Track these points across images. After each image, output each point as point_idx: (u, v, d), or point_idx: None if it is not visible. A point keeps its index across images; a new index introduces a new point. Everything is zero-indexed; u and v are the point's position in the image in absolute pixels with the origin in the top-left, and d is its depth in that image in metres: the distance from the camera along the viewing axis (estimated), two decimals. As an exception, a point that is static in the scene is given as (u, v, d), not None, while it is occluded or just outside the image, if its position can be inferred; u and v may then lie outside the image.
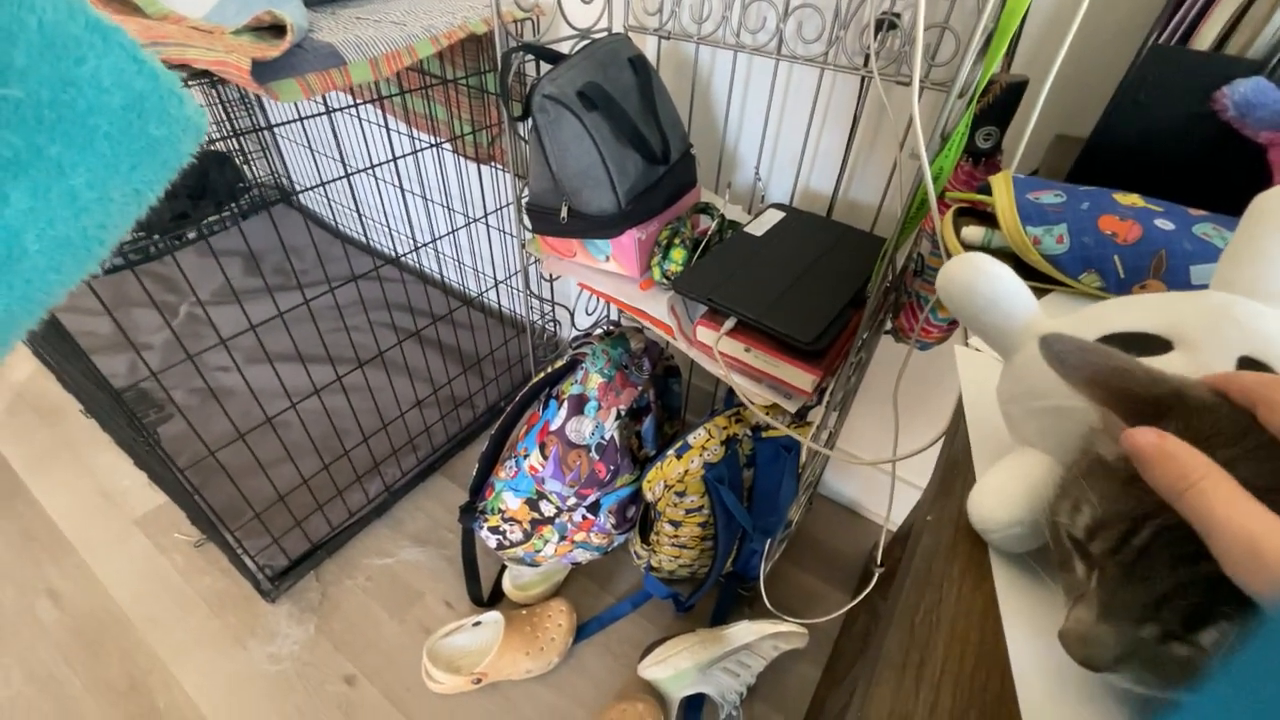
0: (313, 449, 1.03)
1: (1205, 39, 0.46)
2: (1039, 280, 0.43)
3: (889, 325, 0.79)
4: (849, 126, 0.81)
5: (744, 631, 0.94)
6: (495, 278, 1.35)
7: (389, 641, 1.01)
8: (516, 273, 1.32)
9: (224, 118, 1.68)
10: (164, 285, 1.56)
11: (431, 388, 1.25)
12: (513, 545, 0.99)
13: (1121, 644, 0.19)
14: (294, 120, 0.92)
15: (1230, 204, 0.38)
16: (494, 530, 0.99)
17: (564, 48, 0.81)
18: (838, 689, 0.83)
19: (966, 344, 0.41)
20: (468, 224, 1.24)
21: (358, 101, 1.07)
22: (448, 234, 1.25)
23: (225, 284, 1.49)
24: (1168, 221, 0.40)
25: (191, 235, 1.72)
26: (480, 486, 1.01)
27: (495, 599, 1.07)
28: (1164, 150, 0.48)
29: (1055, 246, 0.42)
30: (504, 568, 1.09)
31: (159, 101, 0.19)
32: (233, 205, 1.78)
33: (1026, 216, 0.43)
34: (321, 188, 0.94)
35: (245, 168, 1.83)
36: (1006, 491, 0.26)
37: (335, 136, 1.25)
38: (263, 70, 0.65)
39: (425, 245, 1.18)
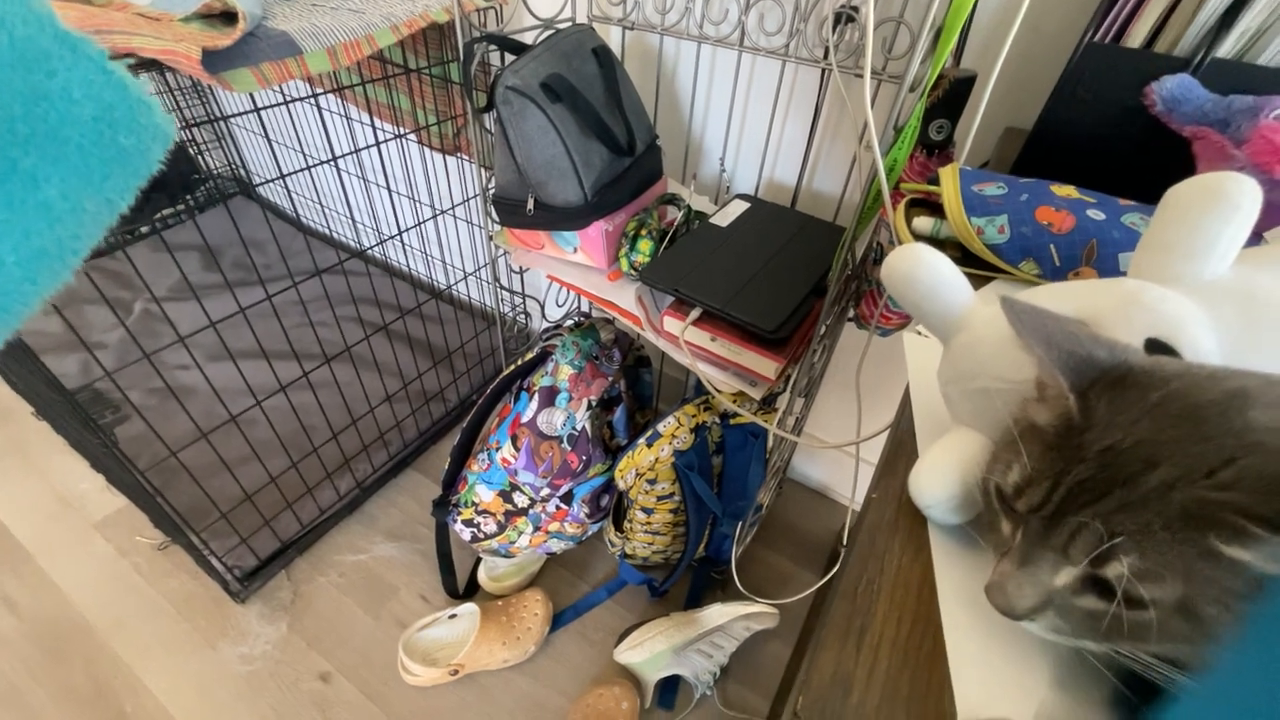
0: (280, 447, 1.01)
1: (1137, 37, 0.49)
2: (983, 268, 0.45)
3: (851, 313, 0.81)
4: (811, 118, 0.83)
5: (717, 614, 0.97)
6: (464, 270, 1.34)
7: (364, 637, 1.01)
8: (485, 265, 1.32)
9: (174, 107, 1.62)
10: (116, 281, 1.51)
11: (401, 382, 1.24)
12: (487, 537, 1.00)
13: (1038, 592, 0.21)
14: (249, 111, 0.89)
15: (1158, 195, 0.40)
16: (468, 523, 0.99)
17: (527, 38, 0.80)
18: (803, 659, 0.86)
19: (916, 331, 0.43)
20: (434, 216, 1.22)
21: (317, 91, 1.04)
22: (414, 226, 1.23)
23: (182, 280, 1.45)
24: (1099, 212, 0.42)
25: (144, 229, 1.66)
26: (453, 480, 1.01)
27: (471, 591, 1.08)
28: (1099, 142, 0.50)
29: (997, 236, 0.44)
30: (479, 560, 1.09)
31: (128, 111, 0.20)
32: (187, 198, 1.72)
33: (971, 208, 0.45)
34: (282, 180, 0.92)
35: (199, 159, 1.77)
36: (942, 467, 0.27)
37: (295, 127, 1.22)
38: (214, 59, 0.64)
39: (391, 238, 1.16)
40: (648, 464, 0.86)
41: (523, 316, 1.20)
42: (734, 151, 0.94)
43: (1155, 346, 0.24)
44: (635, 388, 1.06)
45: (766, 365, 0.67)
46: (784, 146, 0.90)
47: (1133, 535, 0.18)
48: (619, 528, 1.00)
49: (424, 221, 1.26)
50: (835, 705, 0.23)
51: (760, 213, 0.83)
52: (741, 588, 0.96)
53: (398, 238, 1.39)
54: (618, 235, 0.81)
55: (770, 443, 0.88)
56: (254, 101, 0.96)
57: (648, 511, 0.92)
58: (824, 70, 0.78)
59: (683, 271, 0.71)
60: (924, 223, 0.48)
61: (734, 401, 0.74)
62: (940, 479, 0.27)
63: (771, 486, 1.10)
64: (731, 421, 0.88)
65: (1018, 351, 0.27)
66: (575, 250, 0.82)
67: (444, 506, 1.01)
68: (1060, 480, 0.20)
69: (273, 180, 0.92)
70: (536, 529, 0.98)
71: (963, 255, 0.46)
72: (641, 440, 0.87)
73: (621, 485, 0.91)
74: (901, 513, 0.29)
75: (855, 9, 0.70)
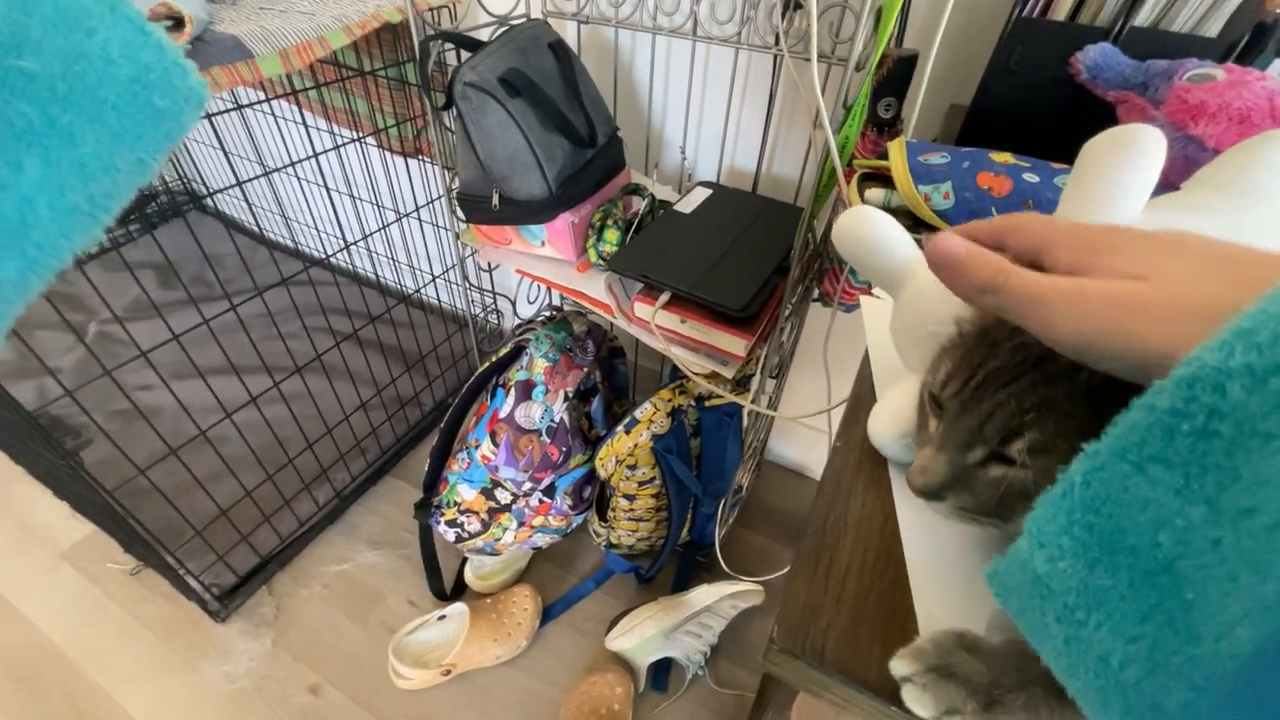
0: (254, 461, 1.00)
1: (1061, 10, 0.52)
2: (932, 232, 0.47)
3: (816, 292, 0.83)
4: (767, 104, 0.85)
5: (703, 595, 0.99)
6: (432, 273, 1.33)
7: (352, 646, 1.00)
8: (453, 266, 1.31)
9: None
10: (68, 304, 1.46)
11: (375, 389, 1.23)
12: (472, 536, 1.00)
13: (951, 470, 0.23)
14: (200, 117, 0.87)
15: (1085, 156, 0.43)
16: (451, 523, 0.99)
17: (483, 35, 0.81)
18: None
19: (873, 294, 0.45)
20: (399, 219, 1.21)
21: (270, 97, 1.03)
22: (378, 230, 1.22)
23: (138, 298, 1.41)
24: (1034, 175, 0.45)
25: (95, 249, 1.60)
26: (434, 482, 1.01)
27: (459, 592, 1.08)
28: (1032, 111, 0.53)
29: (943, 202, 0.46)
30: (465, 560, 1.09)
31: (164, 73, 0.20)
32: (139, 213, 1.67)
33: (918, 176, 0.48)
34: (239, 188, 0.91)
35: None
36: (896, 409, 0.29)
37: (250, 136, 1.20)
38: (164, 66, 0.63)
39: (354, 244, 1.15)
40: (627, 450, 0.88)
41: (494, 316, 1.20)
42: (694, 140, 0.96)
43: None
44: (611, 378, 1.07)
45: (736, 343, 0.68)
46: (742, 133, 0.92)
47: (1039, 410, 0.21)
48: (603, 517, 1.01)
49: (388, 225, 1.25)
50: (806, 630, 0.24)
51: (722, 198, 0.85)
52: (726, 568, 0.99)
53: (362, 243, 1.38)
54: (584, 227, 0.82)
55: (745, 421, 0.90)
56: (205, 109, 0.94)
57: (630, 498, 0.94)
58: (776, 56, 0.80)
59: (650, 258, 0.73)
60: (875, 194, 0.51)
61: (708, 381, 0.75)
62: (894, 420, 0.29)
63: (750, 467, 1.12)
64: (707, 404, 0.90)
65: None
66: (543, 244, 0.83)
67: (426, 509, 1.00)
68: (976, 370, 0.23)
69: (229, 188, 0.90)
70: (521, 524, 0.98)
71: (913, 223, 0.49)
72: (620, 427, 0.88)
73: (602, 473, 0.92)
74: (864, 457, 0.31)
75: (802, -5, 0.72)
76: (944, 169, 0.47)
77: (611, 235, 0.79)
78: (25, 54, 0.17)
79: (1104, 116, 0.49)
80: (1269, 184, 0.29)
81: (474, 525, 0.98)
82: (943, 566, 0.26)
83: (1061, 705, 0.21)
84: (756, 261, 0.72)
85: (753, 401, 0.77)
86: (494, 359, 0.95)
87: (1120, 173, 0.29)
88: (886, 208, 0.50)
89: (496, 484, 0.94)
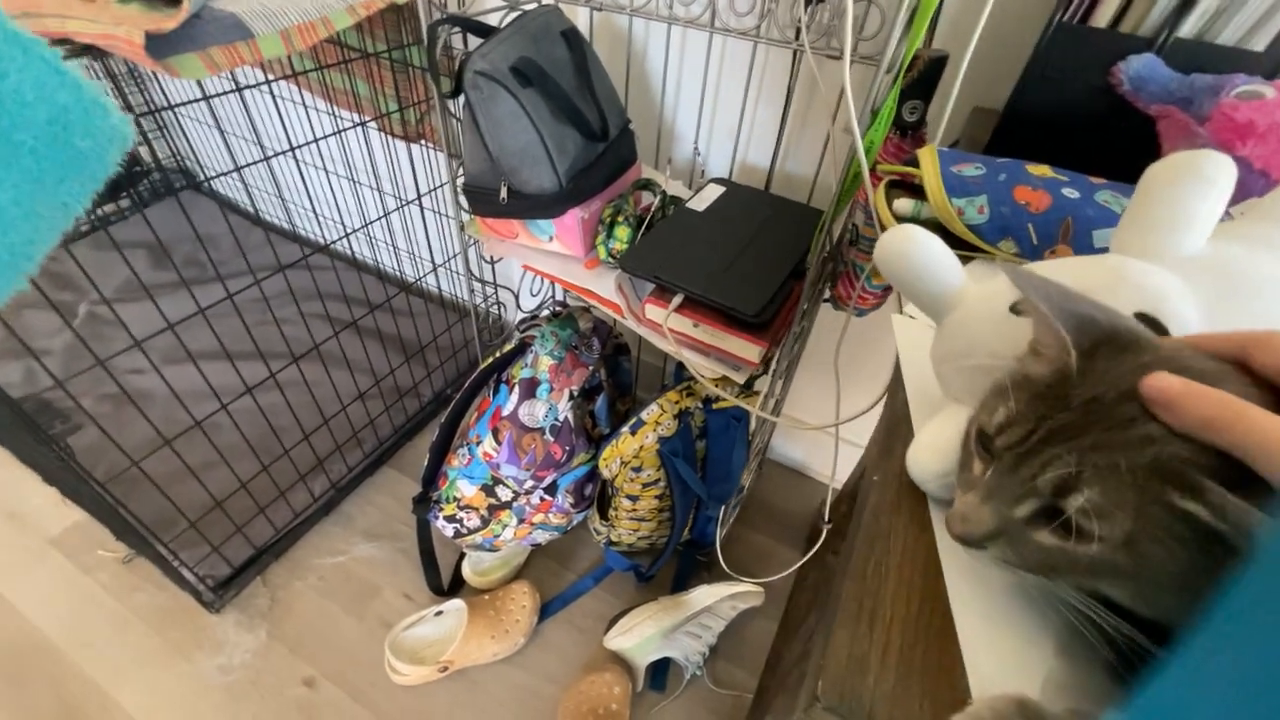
0: (249, 450, 0.98)
1: (1103, 17, 0.50)
2: (963, 248, 0.46)
3: (827, 294, 0.82)
4: (783, 100, 0.83)
5: (704, 595, 0.98)
6: (433, 262, 1.31)
7: (348, 640, 0.99)
8: (455, 255, 1.28)
9: (112, 94, 1.53)
10: (56, 283, 1.42)
11: (373, 379, 1.21)
12: (471, 532, 0.98)
13: (996, 523, 0.22)
14: (198, 99, 0.84)
15: (1126, 172, 0.41)
16: (450, 519, 0.98)
17: (492, 20, 0.78)
18: (793, 639, 0.88)
19: (902, 312, 0.44)
20: (400, 207, 1.18)
21: (271, 78, 0.99)
22: (379, 218, 1.19)
23: (129, 279, 1.37)
24: (1073, 190, 0.43)
25: (85, 226, 1.56)
26: (433, 476, 0.99)
27: (456, 587, 1.07)
28: (1069, 121, 0.51)
29: (977, 216, 0.45)
30: (463, 555, 1.08)
31: (83, 113, 0.19)
32: (130, 191, 1.63)
33: (951, 189, 0.46)
34: (238, 172, 0.88)
35: (142, 150, 1.67)
36: (939, 444, 0.28)
37: (249, 117, 1.16)
38: (158, 44, 0.60)
39: (355, 231, 1.12)
40: (632, 452, 0.86)
41: (496, 307, 1.18)
42: (706, 135, 0.94)
43: (1142, 319, 0.25)
44: (615, 376, 1.06)
45: (750, 349, 0.67)
46: (757, 129, 0.89)
47: (1099, 470, 0.20)
48: (604, 516, 1.00)
49: (389, 213, 1.22)
50: (854, 685, 0.23)
51: (736, 196, 0.83)
52: (727, 568, 0.98)
53: (362, 230, 1.34)
54: (594, 223, 0.80)
55: (753, 425, 0.89)
56: (202, 89, 0.90)
57: (633, 499, 0.93)
58: (795, 51, 0.78)
59: (662, 258, 0.71)
60: (905, 204, 0.49)
61: (717, 386, 0.74)
62: (936, 455, 0.28)
63: (753, 468, 1.11)
64: (714, 406, 0.88)
65: (1011, 327, 0.28)
66: (551, 239, 0.81)
67: (425, 503, 0.99)
68: (1041, 423, 0.22)
69: (226, 173, 0.87)
70: (521, 521, 0.97)
71: (944, 237, 0.47)
72: (625, 428, 0.87)
73: (606, 474, 0.91)
74: (903, 494, 0.30)
75: (826, -11, 0.70)
76: (979, 181, 0.45)
77: (622, 232, 0.77)
78: None
79: (1145, 131, 0.47)
80: (1337, 219, 0.28)
81: (473, 521, 0.97)
82: (993, 618, 0.25)
83: None
84: (771, 264, 0.70)
85: (760, 407, 0.75)
86: (498, 355, 0.93)
87: (1186, 202, 0.27)
88: (917, 219, 0.49)
89: (498, 481, 0.93)
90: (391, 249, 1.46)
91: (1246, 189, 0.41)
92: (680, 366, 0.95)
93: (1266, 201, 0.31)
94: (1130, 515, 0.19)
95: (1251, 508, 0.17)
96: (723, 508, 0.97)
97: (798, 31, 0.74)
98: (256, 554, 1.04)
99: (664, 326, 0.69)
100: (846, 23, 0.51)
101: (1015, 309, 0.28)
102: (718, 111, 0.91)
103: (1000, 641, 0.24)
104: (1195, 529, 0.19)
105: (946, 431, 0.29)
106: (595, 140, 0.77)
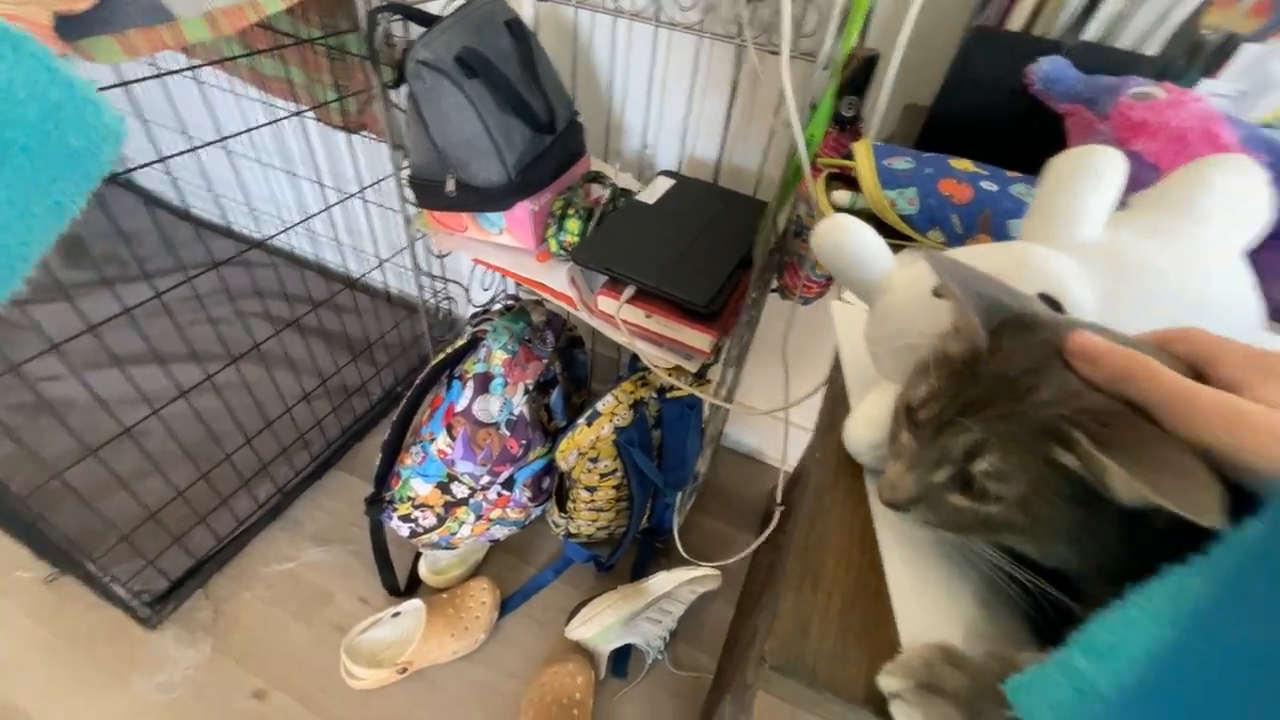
0: (186, 457, 0.93)
1: (1018, 20, 0.54)
2: (895, 237, 0.48)
3: (775, 284, 0.85)
4: (728, 94, 0.84)
5: (663, 581, 1.00)
6: (379, 257, 1.27)
7: (300, 648, 0.96)
8: (402, 250, 1.25)
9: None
10: (-42, 285, 1.31)
11: (319, 379, 1.16)
12: (426, 531, 0.97)
13: (919, 489, 0.25)
14: (115, 85, 0.79)
15: (1040, 166, 0.45)
16: (405, 519, 0.96)
17: (433, 8, 0.76)
18: (749, 619, 0.91)
19: (840, 298, 0.46)
20: (342, 200, 1.14)
21: (196, 63, 0.94)
22: (320, 212, 1.15)
23: (41, 278, 1.27)
24: (991, 184, 0.47)
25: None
26: (385, 475, 0.97)
27: (413, 588, 1.05)
28: (990, 119, 0.55)
29: (908, 207, 0.47)
30: (419, 555, 1.06)
31: (76, 110, 0.19)
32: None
33: (884, 181, 0.49)
34: (164, 164, 0.83)
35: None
36: (872, 418, 0.30)
37: (171, 102, 1.09)
38: (69, 26, 0.56)
39: (294, 226, 1.07)
40: (589, 443, 0.87)
41: (446, 302, 1.16)
42: (655, 128, 0.95)
43: (1044, 300, 0.28)
44: (570, 369, 1.06)
45: (701, 339, 0.69)
46: (703, 123, 0.91)
47: (1000, 437, 0.22)
48: (562, 508, 1.00)
49: (331, 206, 1.18)
50: (798, 646, 0.25)
51: (685, 189, 0.84)
52: (685, 554, 1.00)
53: (302, 226, 1.29)
54: (544, 215, 0.80)
55: (706, 413, 0.91)
56: (119, 75, 0.84)
57: (591, 490, 0.93)
58: (738, 46, 0.79)
59: (614, 250, 0.72)
60: (842, 196, 0.51)
61: (670, 375, 0.75)
62: (869, 428, 0.30)
63: (707, 455, 1.14)
64: (668, 395, 0.90)
65: (935, 308, 0.30)
66: (501, 231, 0.80)
67: (378, 504, 0.97)
68: (956, 398, 0.24)
69: (149, 164, 0.82)
70: (478, 518, 0.96)
71: (878, 227, 0.49)
72: (581, 420, 0.88)
73: (563, 466, 0.91)
74: (841, 468, 0.32)
75: (767, -14, 0.72)
76: (909, 174, 0.48)
77: (573, 225, 0.77)
78: None
79: (1056, 128, 0.51)
80: (1210, 204, 0.31)
81: (429, 520, 0.96)
82: (920, 576, 0.27)
83: None
84: (720, 255, 0.72)
85: (714, 395, 0.78)
86: (449, 350, 0.92)
87: (1080, 193, 0.30)
88: (853, 210, 0.51)
89: (453, 478, 0.92)
90: (335, 244, 1.41)
91: (1141, 181, 0.45)
92: (635, 358, 0.96)
93: (1154, 193, 0.35)
94: (1024, 477, 0.22)
95: (1108, 459, 0.19)
96: (679, 495, 0.99)
97: (740, 27, 0.76)
98: (197, 565, 0.99)
99: (617, 318, 0.70)
100: (784, 20, 0.53)
101: (937, 292, 0.30)
102: (665, 105, 0.92)
103: (927, 597, 0.26)
104: (1074, 484, 0.21)
105: (879, 407, 0.31)
106: (543, 132, 0.77)
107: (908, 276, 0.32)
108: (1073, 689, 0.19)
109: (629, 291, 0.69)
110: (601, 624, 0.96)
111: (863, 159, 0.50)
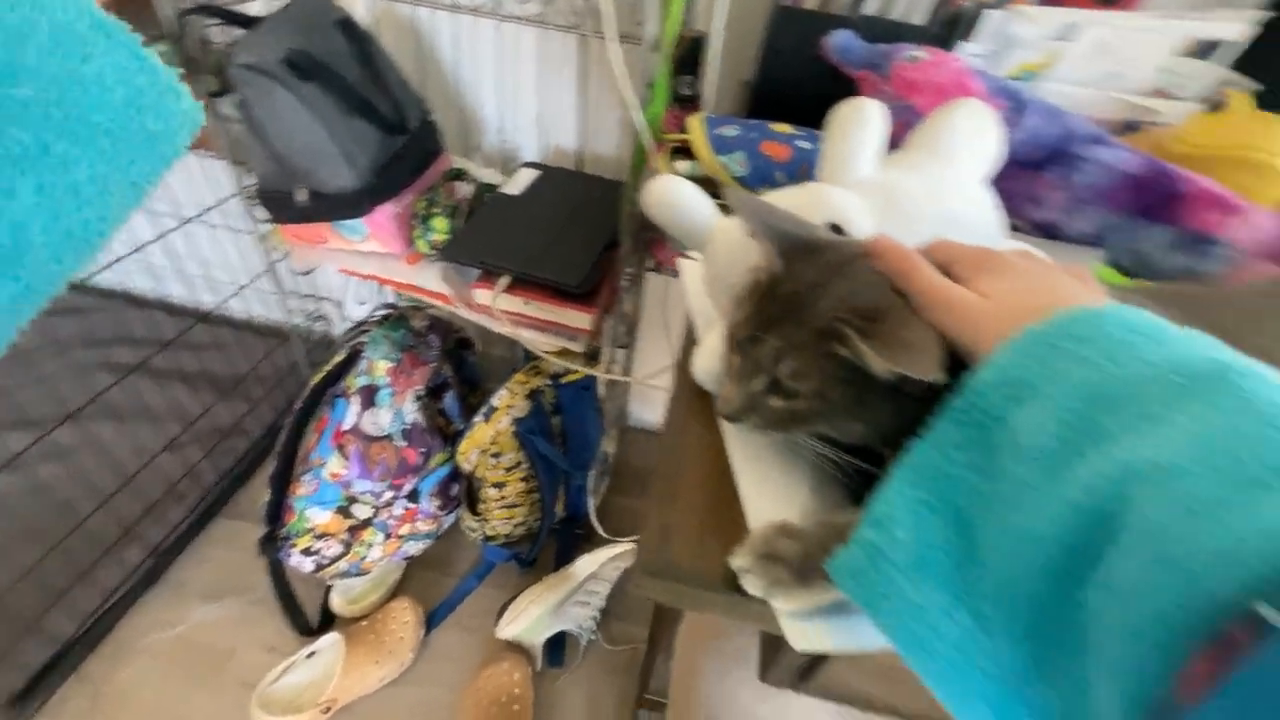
0: (27, 534, 0.82)
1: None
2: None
3: (651, 262, 0.89)
4: (578, 83, 0.87)
5: (586, 564, 1.02)
6: (236, 284, 1.17)
7: (207, 714, 0.89)
8: (263, 273, 1.17)
9: None
10: None
11: (183, 425, 1.06)
12: (333, 561, 0.92)
13: (744, 398, 0.29)
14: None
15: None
16: (307, 552, 0.91)
17: (253, 9, 0.72)
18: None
19: (689, 256, 0.50)
20: (179, 226, 1.04)
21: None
22: (151, 242, 1.04)
23: None
24: (806, 143, 0.53)
25: None
26: (278, 511, 0.91)
27: (328, 623, 1.00)
28: (801, 87, 0.62)
29: (739, 169, 0.53)
30: (330, 587, 1.01)
31: (157, 97, 0.21)
32: None
33: (716, 148, 0.54)
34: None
35: None
36: (713, 350, 0.34)
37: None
38: None
39: (118, 261, 0.96)
40: (489, 439, 0.87)
41: (320, 323, 1.10)
42: (512, 121, 0.96)
43: (833, 228, 0.33)
44: (461, 371, 1.05)
45: (581, 318, 0.71)
46: (560, 113, 0.93)
47: (794, 344, 0.27)
48: (475, 512, 0.99)
49: (166, 234, 1.07)
50: (664, 551, 0.28)
51: (550, 178, 0.86)
52: (605, 534, 1.03)
53: (134, 257, 1.16)
54: (408, 217, 0.79)
55: (601, 391, 0.94)
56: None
57: (499, 486, 0.94)
58: (580, 36, 0.82)
59: (483, 243, 0.72)
60: (683, 166, 0.56)
61: (559, 358, 0.77)
62: (710, 359, 0.34)
63: (614, 436, 1.17)
64: (562, 380, 0.92)
65: (751, 247, 0.34)
66: (365, 238, 0.78)
67: (273, 543, 0.91)
68: (761, 316, 0.28)
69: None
70: (388, 536, 0.93)
71: (716, 189, 0.54)
72: (478, 418, 0.88)
73: (467, 467, 0.90)
74: (694, 397, 0.35)
75: (597, -24, 0.75)
76: (737, 140, 0.54)
77: (440, 223, 0.77)
78: (20, 82, 0.17)
79: (854, 92, 0.58)
80: (953, 145, 0.38)
81: (334, 549, 0.91)
82: (762, 474, 0.31)
83: None
84: (588, 237, 0.75)
85: (606, 372, 0.81)
86: (327, 369, 0.88)
87: (853, 138, 0.36)
88: (693, 177, 0.56)
89: (353, 499, 0.88)
90: (180, 276, 1.28)
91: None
92: (528, 352, 0.97)
93: (915, 136, 0.42)
94: (816, 373, 0.27)
95: (864, 345, 0.24)
96: (590, 477, 1.01)
97: (580, 18, 0.79)
98: (62, 651, 0.88)
99: (494, 309, 0.71)
100: (605, 6, 0.56)
101: (751, 234, 0.35)
102: (518, 98, 0.93)
103: (769, 490, 0.31)
104: (852, 370, 0.26)
105: (717, 338, 0.35)
106: (394, 133, 0.75)
107: (727, 223, 0.36)
108: (865, 556, 0.23)
109: (504, 282, 0.71)
110: (530, 617, 0.96)
111: (696, 130, 0.55)
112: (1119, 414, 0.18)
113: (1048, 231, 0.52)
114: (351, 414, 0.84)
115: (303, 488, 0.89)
